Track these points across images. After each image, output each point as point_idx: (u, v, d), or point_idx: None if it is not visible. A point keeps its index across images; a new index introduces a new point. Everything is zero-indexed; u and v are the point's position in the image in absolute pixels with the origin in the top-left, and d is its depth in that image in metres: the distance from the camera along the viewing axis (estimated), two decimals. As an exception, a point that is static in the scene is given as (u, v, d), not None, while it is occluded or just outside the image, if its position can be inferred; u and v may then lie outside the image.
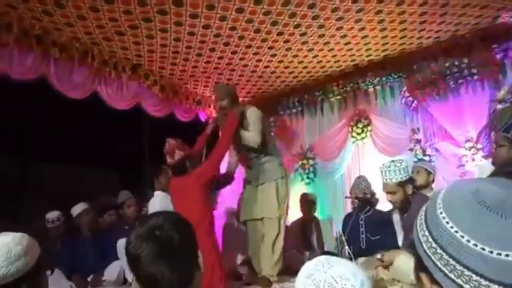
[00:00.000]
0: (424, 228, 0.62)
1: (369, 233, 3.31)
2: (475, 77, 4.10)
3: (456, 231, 0.56)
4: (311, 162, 5.55)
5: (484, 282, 0.52)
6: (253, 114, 3.32)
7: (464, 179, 0.71)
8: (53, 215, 3.95)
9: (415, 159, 4.31)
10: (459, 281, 0.55)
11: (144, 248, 1.02)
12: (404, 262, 2.34)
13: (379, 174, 2.59)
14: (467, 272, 0.54)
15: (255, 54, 4.42)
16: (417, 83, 4.40)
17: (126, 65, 4.43)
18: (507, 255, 0.51)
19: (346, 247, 2.79)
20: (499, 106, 3.34)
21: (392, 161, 2.54)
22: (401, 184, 2.47)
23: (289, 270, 3.36)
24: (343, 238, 2.87)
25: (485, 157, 3.90)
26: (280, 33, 3.97)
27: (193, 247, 1.12)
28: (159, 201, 3.50)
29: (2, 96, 4.49)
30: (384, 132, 4.94)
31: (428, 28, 4.08)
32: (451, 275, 0.56)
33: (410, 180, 2.54)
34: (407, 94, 4.63)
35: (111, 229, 4.02)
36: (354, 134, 5.19)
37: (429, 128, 4.56)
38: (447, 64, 4.20)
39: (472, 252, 0.53)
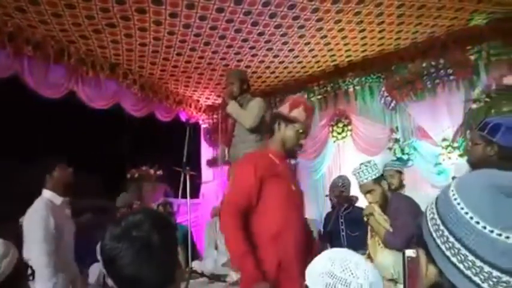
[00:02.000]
0: (434, 211, 0.62)
1: (349, 229, 3.36)
2: (451, 77, 4.20)
3: (466, 213, 0.55)
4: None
5: (486, 268, 0.52)
6: (257, 100, 3.28)
7: (477, 170, 0.70)
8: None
9: (394, 158, 4.39)
10: (454, 259, 0.55)
11: (120, 248, 0.95)
12: (384, 257, 2.39)
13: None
14: (463, 251, 0.54)
15: (236, 54, 4.40)
16: (395, 83, 4.49)
17: (104, 63, 4.34)
18: None
19: (328, 245, 2.81)
20: (474, 105, 3.44)
21: (362, 163, 2.59)
22: (376, 181, 2.52)
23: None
24: (325, 236, 2.90)
25: (461, 155, 4.01)
26: (261, 34, 3.98)
27: (173, 245, 1.07)
28: (40, 210, 2.42)
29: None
30: (363, 131, 5.01)
31: (406, 30, 4.17)
32: (448, 252, 0.56)
33: (383, 176, 2.60)
34: (386, 94, 4.71)
35: (89, 231, 3.91)
36: (335, 134, 5.25)
37: (407, 127, 4.66)
38: (424, 65, 4.30)
39: (476, 232, 0.53)
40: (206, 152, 6.32)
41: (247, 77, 3.52)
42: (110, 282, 1.02)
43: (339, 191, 3.51)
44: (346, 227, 3.39)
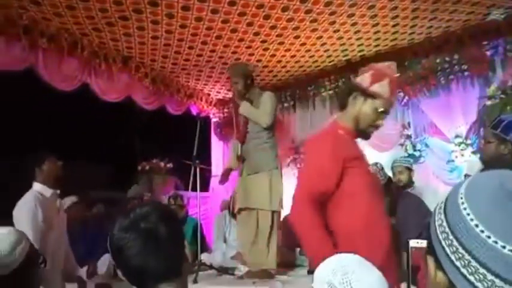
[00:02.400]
0: (442, 212, 0.60)
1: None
2: (466, 73, 4.13)
3: (476, 225, 0.53)
4: (302, 156, 5.55)
5: (489, 276, 0.51)
6: (268, 95, 3.29)
7: (487, 171, 0.67)
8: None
9: (405, 154, 4.35)
10: (464, 271, 0.54)
11: (128, 239, 0.98)
12: None
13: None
14: (474, 263, 0.53)
15: (248, 47, 4.39)
16: (408, 79, 4.43)
17: (117, 56, 4.37)
18: None
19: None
20: (489, 102, 3.38)
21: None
22: (385, 187, 2.51)
23: (281, 264, 3.40)
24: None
25: (474, 153, 3.95)
26: (273, 27, 3.95)
27: (180, 238, 1.09)
28: (28, 202, 2.43)
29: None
30: (375, 127, 4.95)
31: (420, 24, 4.09)
32: (457, 263, 0.55)
33: (390, 181, 2.58)
34: (398, 89, 4.65)
35: (100, 222, 3.99)
36: (346, 129, 5.20)
37: (419, 124, 4.59)
38: (438, 60, 4.24)
39: (487, 246, 0.52)
40: (216, 145, 6.34)
41: (250, 71, 3.50)
42: (119, 273, 1.04)
43: None
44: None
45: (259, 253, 3.24)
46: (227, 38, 4.12)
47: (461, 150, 4.12)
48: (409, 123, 4.66)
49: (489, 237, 0.51)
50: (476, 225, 0.53)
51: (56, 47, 3.76)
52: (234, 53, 4.49)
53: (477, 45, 4.15)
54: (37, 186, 2.56)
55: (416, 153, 4.39)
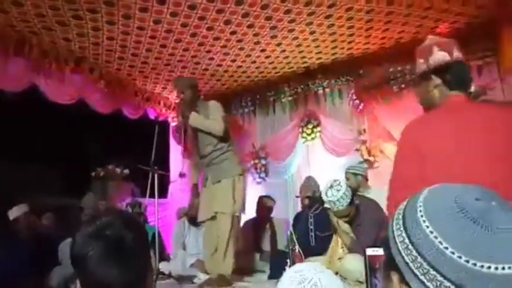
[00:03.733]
0: (402, 229, 0.61)
1: (318, 230, 3.40)
2: (416, 82, 4.36)
3: (440, 242, 0.54)
4: (263, 161, 5.59)
5: None
6: (214, 104, 3.28)
7: (444, 185, 0.70)
8: None
9: (361, 159, 4.51)
10: (429, 285, 0.55)
11: (92, 247, 0.93)
12: (349, 262, 2.45)
13: (325, 189, 2.68)
14: (439, 277, 0.54)
15: (208, 52, 4.36)
16: (364, 87, 4.61)
17: (69, 57, 4.16)
18: (495, 268, 0.51)
19: (297, 246, 2.84)
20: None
21: (331, 186, 2.61)
22: (350, 203, 2.59)
23: (240, 270, 3.37)
24: (294, 237, 2.92)
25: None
26: (233, 32, 3.95)
27: (145, 247, 1.06)
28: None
29: None
30: (332, 133, 5.10)
31: (375, 35, 4.28)
32: (423, 278, 0.55)
33: (354, 193, 2.67)
34: (354, 97, 4.83)
35: (50, 232, 3.75)
36: (304, 135, 5.31)
37: (374, 130, 4.79)
38: (391, 69, 4.45)
39: (456, 264, 0.53)
40: (175, 150, 6.21)
41: (196, 82, 3.51)
42: (74, 286, 0.98)
43: (312, 191, 3.56)
44: (315, 228, 3.44)
45: (217, 259, 3.20)
46: (187, 41, 4.07)
47: (413, 156, 4.33)
48: (364, 129, 4.84)
49: (453, 252, 0.53)
50: (440, 242, 0.54)
51: (0, 46, 3.51)
52: (193, 56, 4.44)
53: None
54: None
55: (371, 158, 4.56)
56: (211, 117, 3.22)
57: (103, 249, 0.93)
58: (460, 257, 0.52)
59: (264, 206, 4.41)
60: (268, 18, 3.73)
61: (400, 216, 0.63)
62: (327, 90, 5.23)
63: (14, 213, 3.56)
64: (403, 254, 0.59)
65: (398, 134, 4.56)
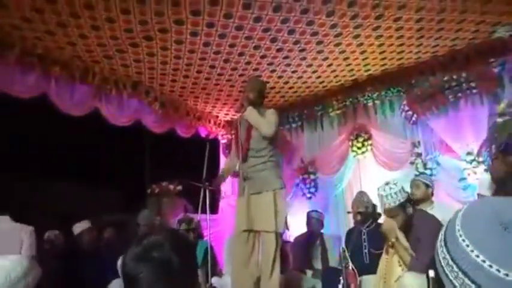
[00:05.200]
0: (444, 250, 0.61)
1: (372, 247, 3.28)
2: (474, 91, 4.12)
3: (477, 256, 0.55)
4: (312, 176, 5.53)
5: None
6: (273, 111, 3.26)
7: (480, 199, 0.70)
8: (51, 233, 3.92)
9: (416, 173, 4.30)
10: None
11: (141, 269, 0.97)
12: (409, 279, 2.32)
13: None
14: None
15: (255, 70, 4.46)
16: (416, 97, 4.43)
17: (127, 82, 4.47)
18: None
19: (350, 263, 2.76)
20: (499, 119, 3.35)
21: (387, 183, 2.55)
22: (401, 205, 2.49)
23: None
24: (347, 254, 2.84)
25: (487, 170, 3.89)
26: (279, 50, 4.02)
27: (193, 267, 1.09)
28: None
29: (6, 116, 4.51)
30: (384, 146, 4.94)
31: (426, 43, 4.13)
32: None
33: (409, 199, 2.55)
34: (406, 108, 4.65)
35: (111, 246, 3.98)
36: (355, 148, 5.19)
37: (429, 142, 4.56)
38: (445, 78, 4.24)
39: (487, 273, 0.53)
40: (225, 167, 6.35)
41: (265, 89, 3.54)
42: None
43: (364, 206, 3.45)
44: (369, 245, 3.32)
45: (262, 278, 3.13)
46: (234, 61, 4.20)
47: (473, 167, 4.06)
48: (419, 142, 4.63)
49: (491, 266, 0.52)
50: (477, 256, 0.54)
51: (68, 75, 3.87)
52: (241, 75, 4.56)
53: (484, 62, 4.15)
54: None
55: (428, 172, 4.34)
56: (266, 118, 3.19)
57: (150, 271, 0.96)
58: (498, 270, 0.52)
59: (314, 220, 4.34)
60: (314, 34, 3.75)
61: (443, 235, 0.63)
62: (377, 102, 5.09)
63: (77, 228, 3.83)
64: (447, 272, 0.59)
65: (456, 146, 4.33)
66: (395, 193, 2.48)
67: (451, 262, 0.58)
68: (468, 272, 0.55)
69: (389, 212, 2.54)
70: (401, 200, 2.48)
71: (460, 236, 0.57)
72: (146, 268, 0.97)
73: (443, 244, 0.61)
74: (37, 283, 1.28)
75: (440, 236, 0.63)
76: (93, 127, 5.00)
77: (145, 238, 1.05)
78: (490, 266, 0.52)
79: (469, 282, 0.55)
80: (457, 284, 0.57)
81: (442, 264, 0.60)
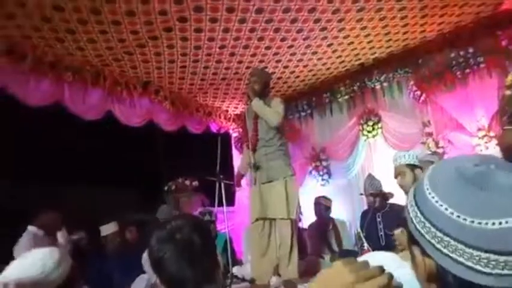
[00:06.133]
0: (414, 205, 0.67)
1: (387, 229, 3.31)
2: (482, 66, 4.09)
3: (441, 205, 0.60)
4: (324, 163, 5.57)
5: (467, 249, 0.57)
6: (279, 100, 3.31)
7: (448, 157, 0.77)
8: (78, 235, 4.05)
9: (429, 152, 4.30)
10: (446, 251, 0.59)
11: (166, 250, 1.07)
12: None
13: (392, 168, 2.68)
14: (452, 242, 0.58)
15: (261, 62, 4.50)
16: (424, 77, 4.42)
17: (137, 82, 4.57)
18: (486, 223, 0.55)
19: (365, 243, 2.81)
20: (508, 92, 3.32)
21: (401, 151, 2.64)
22: (410, 166, 2.58)
23: (309, 274, 3.38)
24: (362, 235, 2.89)
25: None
26: (283, 39, 4.05)
27: (212, 246, 1.17)
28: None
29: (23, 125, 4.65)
30: (394, 127, 4.94)
31: (431, 21, 4.10)
32: (439, 246, 0.60)
33: (420, 167, 2.63)
34: (414, 88, 4.64)
35: (134, 245, 4.10)
36: (365, 132, 5.20)
37: (440, 120, 4.54)
38: (452, 55, 4.21)
39: (455, 223, 0.58)
40: (238, 159, 6.43)
41: (270, 80, 3.58)
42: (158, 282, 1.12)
43: (375, 187, 3.49)
44: (384, 227, 3.35)
45: (280, 263, 3.19)
46: (240, 54, 4.25)
47: (486, 143, 4.05)
48: (429, 121, 4.62)
49: (459, 216, 0.58)
50: (446, 209, 0.59)
51: (80, 80, 3.97)
52: (247, 68, 4.61)
53: (491, 36, 4.10)
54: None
55: (440, 150, 4.33)
56: (272, 108, 3.24)
57: (175, 252, 1.06)
58: (465, 219, 0.57)
59: (321, 206, 4.41)
60: (317, 21, 3.77)
61: (412, 195, 0.68)
62: (385, 84, 5.08)
63: (106, 230, 3.94)
64: (418, 228, 0.64)
65: (467, 122, 4.31)
66: (403, 155, 2.61)
67: (422, 219, 0.63)
68: (437, 225, 0.60)
69: (397, 169, 2.63)
70: (410, 161, 2.58)
71: (429, 193, 0.63)
72: (170, 249, 1.06)
73: (413, 204, 0.67)
74: (69, 273, 1.38)
75: (410, 197, 0.69)
76: (107, 131, 5.12)
77: (168, 223, 1.13)
78: (458, 216, 0.57)
79: (440, 234, 0.60)
80: (428, 238, 0.62)
81: (414, 221, 0.65)
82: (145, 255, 3.52)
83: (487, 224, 0.55)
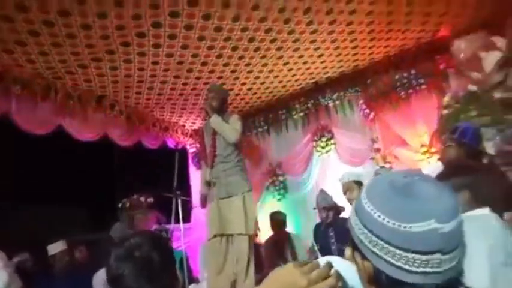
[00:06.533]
0: (354, 214, 0.76)
1: (340, 242, 3.37)
2: (423, 87, 4.47)
3: (375, 212, 0.69)
4: (281, 178, 5.69)
5: (397, 251, 0.66)
6: (237, 117, 3.34)
7: (379, 175, 0.90)
8: (21, 256, 3.81)
9: (377, 167, 4.56)
10: (380, 254, 0.68)
11: (124, 267, 1.06)
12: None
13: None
14: (385, 245, 0.67)
15: (219, 78, 4.57)
16: (372, 96, 4.72)
17: (90, 97, 4.44)
18: (410, 227, 0.64)
19: (319, 255, 2.90)
20: (445, 111, 3.66)
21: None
22: (357, 183, 2.81)
23: None
24: (316, 248, 2.99)
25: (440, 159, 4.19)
26: (241, 57, 4.16)
27: (171, 263, 1.17)
28: None
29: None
30: (346, 144, 5.19)
31: (378, 44, 4.42)
32: (375, 249, 0.69)
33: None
34: (364, 106, 4.93)
35: (84, 264, 3.92)
36: (319, 148, 5.41)
37: (387, 137, 4.83)
38: (397, 76, 4.57)
39: (387, 228, 0.67)
40: (195, 176, 6.38)
41: (227, 96, 3.63)
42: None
43: (326, 202, 3.59)
44: (337, 240, 3.40)
45: (238, 280, 3.18)
46: (198, 70, 4.29)
47: (428, 158, 4.38)
48: (377, 137, 4.92)
49: (389, 222, 0.67)
50: (379, 216, 0.69)
51: (29, 93, 3.79)
52: (205, 84, 4.65)
53: (431, 60, 4.50)
54: None
55: (387, 165, 4.61)
56: (230, 125, 3.27)
57: (133, 269, 1.06)
58: (389, 222, 0.67)
59: (275, 221, 4.52)
60: (273, 41, 3.92)
61: (354, 206, 0.78)
62: (337, 102, 5.33)
63: (53, 249, 3.73)
64: (358, 234, 0.74)
65: (410, 139, 4.62)
66: (351, 174, 2.85)
67: (361, 226, 0.72)
68: (373, 230, 0.69)
69: (345, 187, 2.84)
70: (356, 178, 2.83)
71: (366, 203, 0.72)
72: (129, 267, 1.06)
73: (354, 214, 0.76)
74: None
75: (352, 208, 0.78)
76: (57, 146, 4.90)
77: (127, 241, 1.13)
78: (388, 222, 0.67)
79: (375, 239, 0.68)
80: (366, 242, 0.71)
81: (355, 229, 0.74)
82: (97, 275, 3.37)
83: (411, 227, 0.64)
